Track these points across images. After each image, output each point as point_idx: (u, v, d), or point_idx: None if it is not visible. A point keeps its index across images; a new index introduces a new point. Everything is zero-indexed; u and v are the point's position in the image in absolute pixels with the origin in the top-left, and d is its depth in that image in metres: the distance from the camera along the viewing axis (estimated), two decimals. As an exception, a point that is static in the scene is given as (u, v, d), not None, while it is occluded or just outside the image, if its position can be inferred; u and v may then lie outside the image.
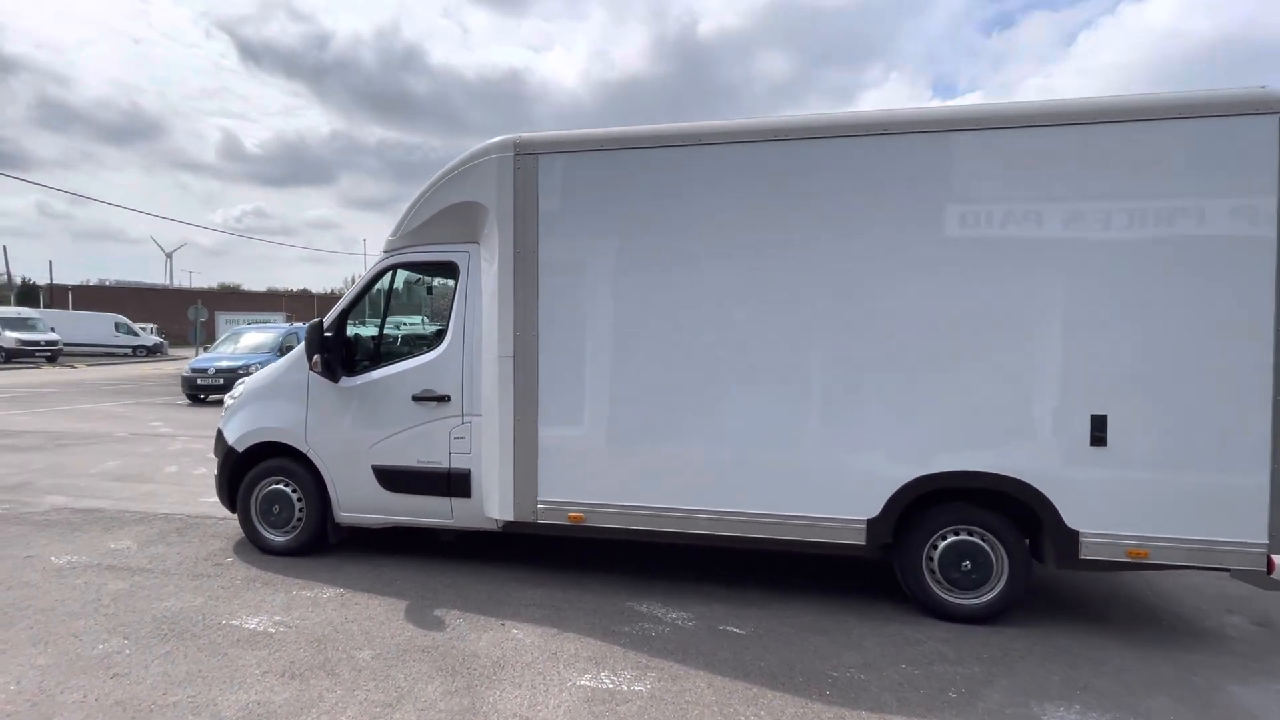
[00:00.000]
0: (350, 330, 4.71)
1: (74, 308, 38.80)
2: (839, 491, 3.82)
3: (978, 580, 3.78)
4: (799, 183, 3.81)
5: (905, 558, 3.85)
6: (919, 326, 3.68)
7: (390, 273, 4.64)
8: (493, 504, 4.29)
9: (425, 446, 4.42)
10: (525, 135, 4.22)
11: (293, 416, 4.67)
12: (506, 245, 4.19)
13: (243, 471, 4.82)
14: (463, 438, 4.37)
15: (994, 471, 3.64)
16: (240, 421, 4.84)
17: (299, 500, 4.71)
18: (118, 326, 32.98)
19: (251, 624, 3.63)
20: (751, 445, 3.90)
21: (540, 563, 4.67)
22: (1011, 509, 3.74)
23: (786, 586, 4.29)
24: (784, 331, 3.83)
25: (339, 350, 4.57)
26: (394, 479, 4.49)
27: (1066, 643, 3.56)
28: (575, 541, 4.80)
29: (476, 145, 4.35)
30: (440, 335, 4.52)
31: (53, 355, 27.34)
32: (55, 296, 43.58)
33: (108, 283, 55.85)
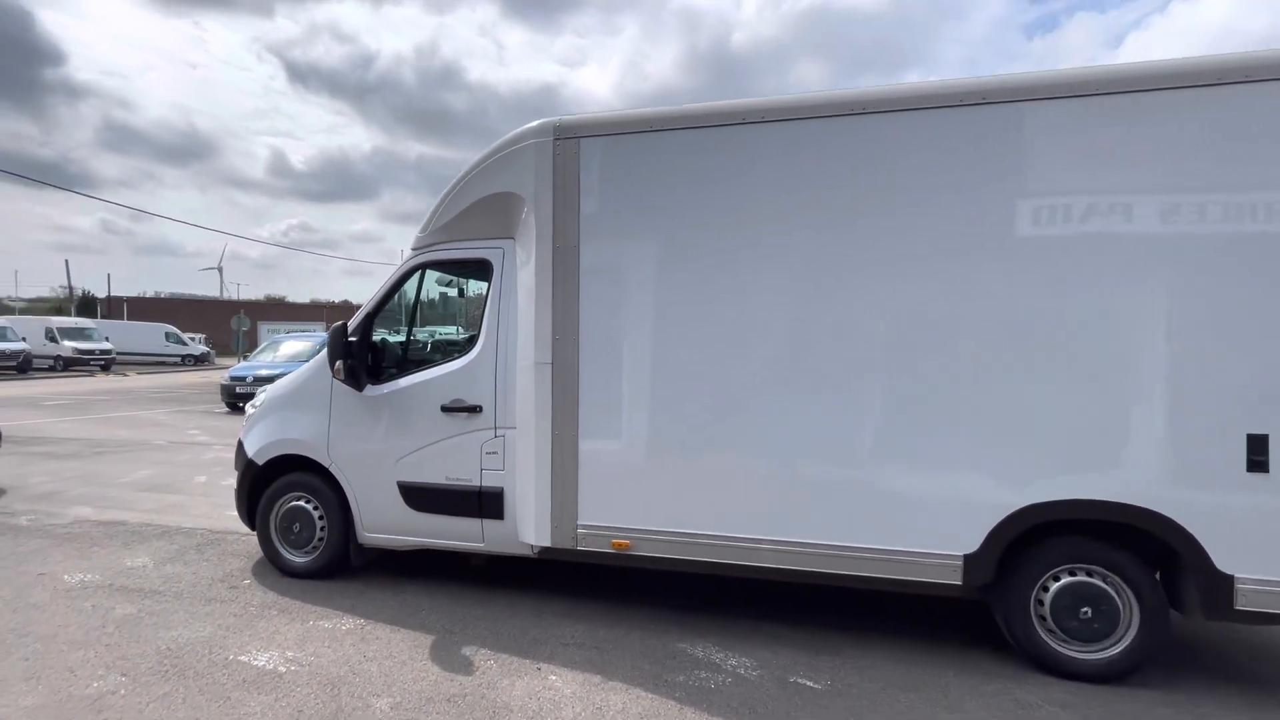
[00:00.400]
0: (376, 335, 4.36)
1: (128, 318, 40.27)
2: (930, 521, 3.25)
3: (1100, 631, 3.16)
4: (892, 164, 3.28)
5: (1010, 601, 3.26)
6: (1035, 328, 3.11)
7: (419, 273, 4.27)
8: (528, 527, 3.84)
9: (455, 462, 4.02)
10: (566, 117, 3.81)
11: (315, 427, 4.32)
12: (544, 239, 3.77)
13: (263, 486, 4.49)
14: (495, 453, 3.95)
15: (1122, 501, 3.03)
16: (261, 432, 4.52)
17: (320, 518, 4.35)
18: (167, 336, 33.99)
19: (261, 660, 3.25)
20: (826, 466, 3.37)
21: (580, 591, 4.20)
22: (1144, 546, 3.12)
23: (864, 628, 3.72)
24: (870, 334, 3.30)
25: (364, 356, 4.21)
26: (421, 497, 4.09)
27: (1216, 711, 2.92)
28: (618, 567, 4.32)
29: (513, 130, 3.96)
30: (472, 340, 4.13)
31: (106, 364, 28.25)
32: (112, 307, 45.39)
33: (163, 294, 58.10)
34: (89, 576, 4.36)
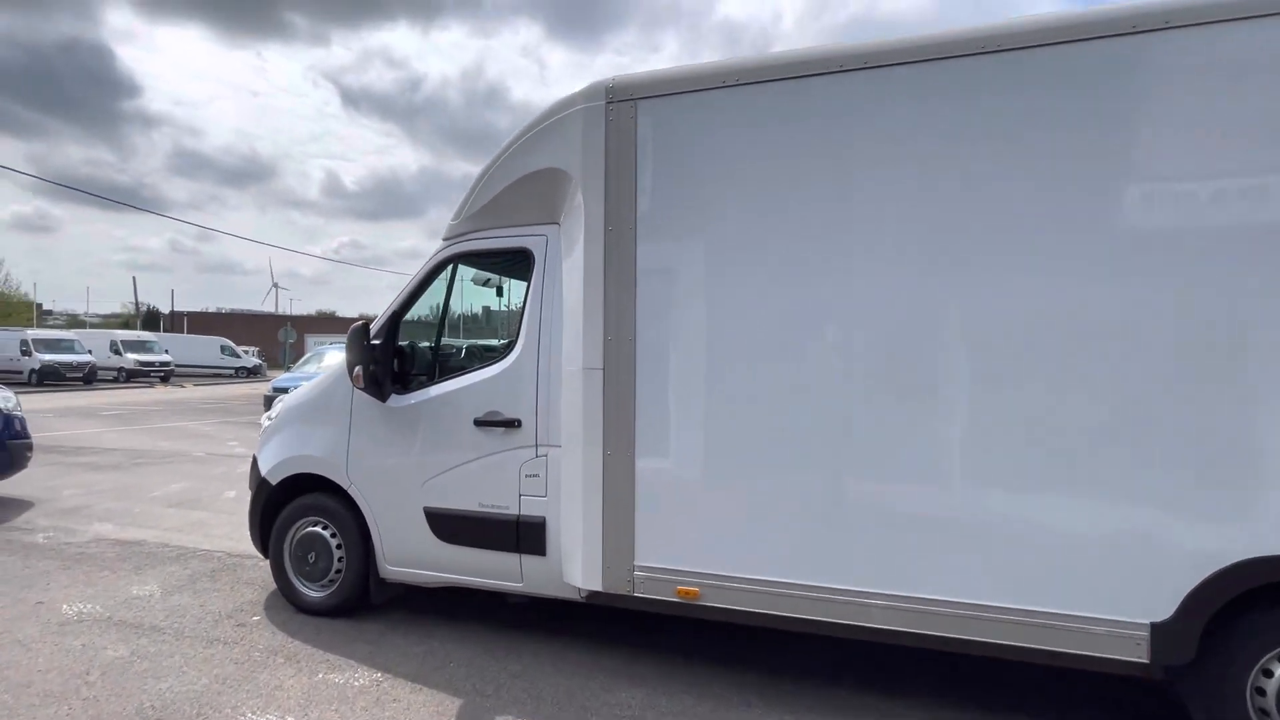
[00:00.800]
0: (405, 338, 3.81)
1: (188, 332, 41.82)
2: (1101, 576, 2.47)
3: (1354, 736, 2.31)
4: (1080, 114, 2.53)
5: (1214, 691, 2.43)
6: (1263, 314, 2.31)
7: (451, 266, 3.71)
8: (574, 567, 3.20)
9: (489, 486, 3.41)
10: (621, 77, 3.20)
11: (333, 443, 3.79)
12: (595, 222, 3.16)
13: (277, 508, 3.98)
14: (536, 475, 3.33)
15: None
16: (275, 448, 4.02)
17: (338, 547, 3.80)
18: (222, 349, 35.02)
19: (255, 727, 2.69)
20: (960, 500, 2.62)
21: (640, 641, 3.53)
22: None
23: (987, 702, 2.93)
24: (1023, 332, 2.55)
25: (388, 362, 3.66)
26: (450, 526, 3.50)
27: None
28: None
29: (560, 96, 3.38)
30: (510, 344, 3.53)
31: (165, 375, 29.15)
32: (174, 322, 47.33)
33: (225, 310, 60.51)
34: (89, 607, 3.91)
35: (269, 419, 4.22)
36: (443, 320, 3.77)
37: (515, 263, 3.70)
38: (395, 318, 3.72)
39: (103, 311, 65.50)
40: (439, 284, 3.75)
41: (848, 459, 2.76)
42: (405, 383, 3.71)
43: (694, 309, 3.01)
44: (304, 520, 3.90)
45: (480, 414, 3.43)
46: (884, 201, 2.73)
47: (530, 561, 3.35)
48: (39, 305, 54.22)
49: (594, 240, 3.17)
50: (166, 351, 30.11)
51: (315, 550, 3.84)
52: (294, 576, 3.91)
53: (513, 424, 3.37)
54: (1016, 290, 2.56)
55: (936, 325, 2.66)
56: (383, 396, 3.64)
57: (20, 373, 24.99)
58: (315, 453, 3.83)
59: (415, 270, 3.81)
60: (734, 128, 2.96)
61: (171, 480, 7.76)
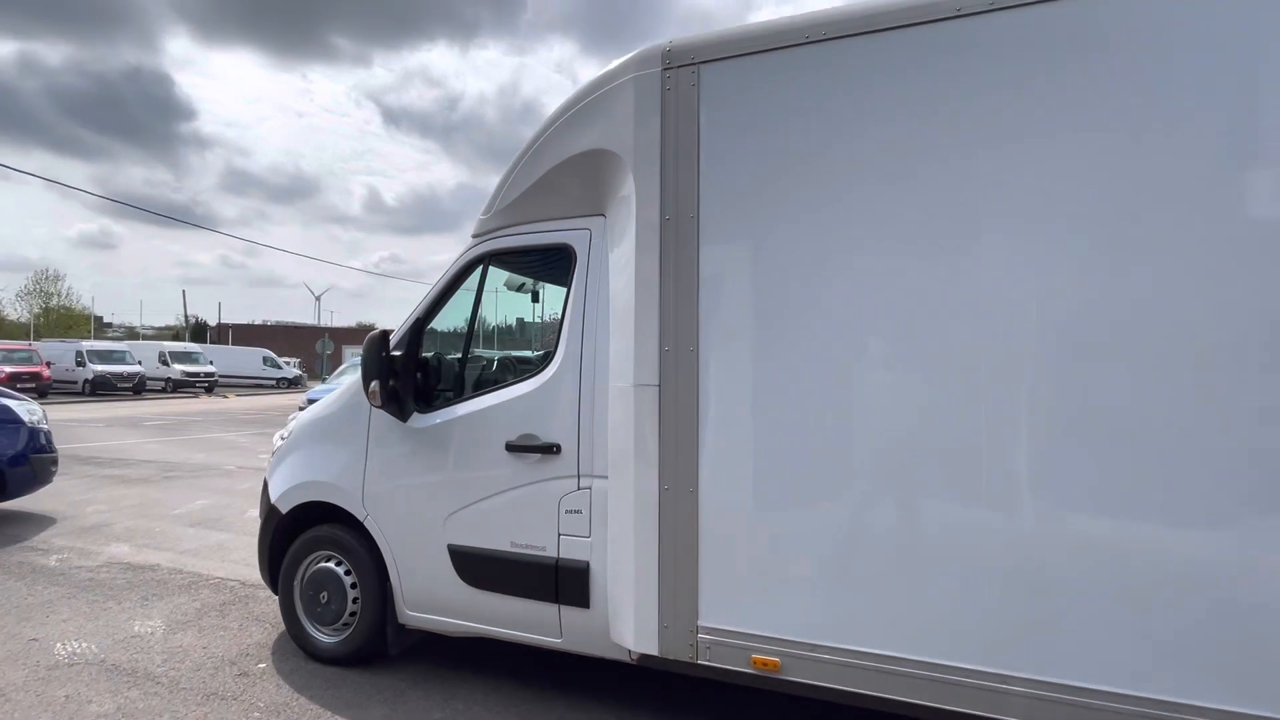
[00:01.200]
0: (429, 348, 3.36)
1: (233, 343, 42.90)
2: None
3: None
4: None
5: None
6: None
7: (481, 267, 3.25)
8: (624, 624, 2.66)
9: (524, 523, 2.91)
10: (679, 39, 2.70)
11: (347, 467, 3.34)
12: (649, 209, 2.66)
13: (288, 539, 3.55)
14: (579, 512, 2.82)
15: None
16: (287, 471, 3.60)
17: (353, 586, 3.35)
18: (265, 360, 35.73)
19: (240, 821, 2.21)
20: (1140, 561, 2.00)
21: (711, 709, 2.97)
22: None
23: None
24: (1214, 320, 1.94)
25: (410, 376, 3.20)
26: (478, 568, 3.01)
27: None
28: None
29: (608, 67, 2.90)
30: (548, 356, 3.04)
31: (210, 386, 29.80)
32: (220, 334, 48.72)
33: (270, 322, 62.19)
34: (84, 646, 3.53)
35: (282, 437, 3.81)
36: (471, 328, 3.30)
37: (554, 262, 3.21)
38: (419, 325, 3.27)
39: (157, 324, 68.09)
40: (468, 287, 3.29)
41: (995, 498, 2.16)
42: (429, 400, 3.25)
43: (773, 310, 2.47)
44: (316, 555, 3.45)
45: (512, 437, 2.94)
46: (1037, 166, 2.14)
47: (571, 614, 2.83)
48: (99, 318, 56.66)
49: (648, 230, 2.66)
50: (211, 362, 30.79)
51: (328, 590, 3.39)
52: (305, 618, 3.47)
53: (550, 450, 2.87)
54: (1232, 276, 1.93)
55: (1128, 326, 2.04)
56: (403, 415, 3.18)
57: (75, 383, 25.80)
58: (328, 478, 3.40)
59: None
60: (820, 93, 2.42)
61: (197, 496, 7.50)
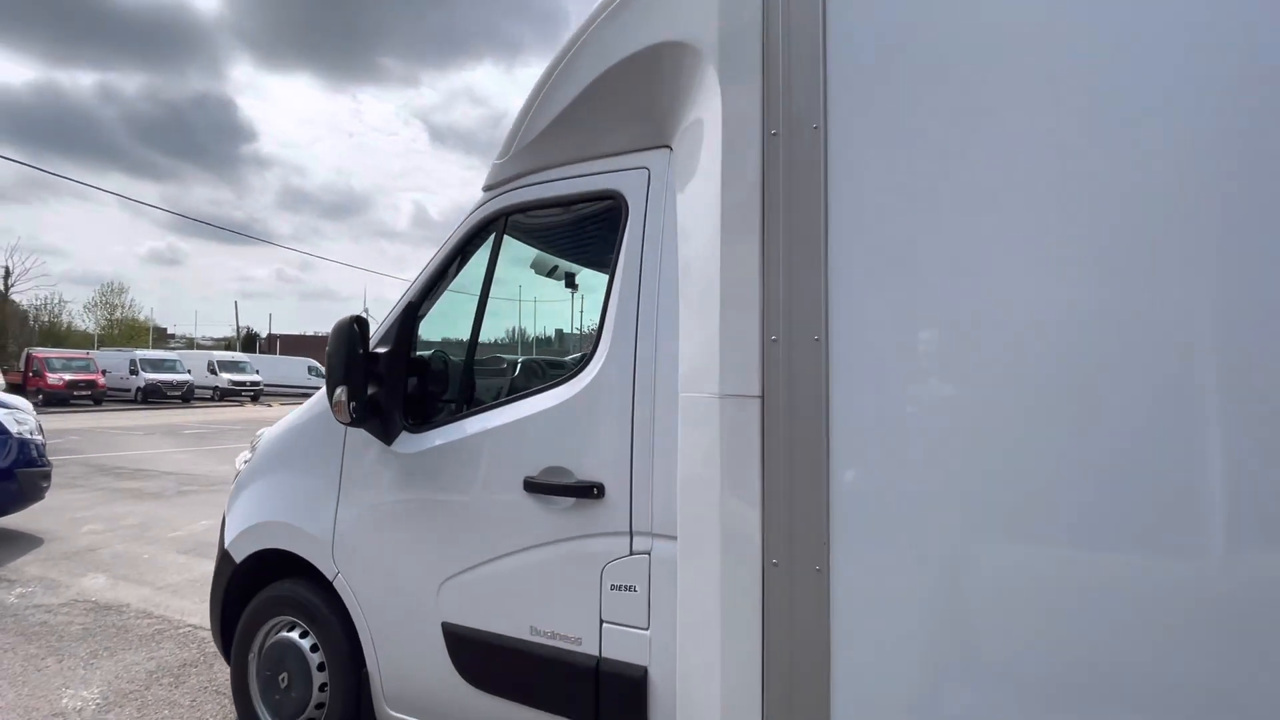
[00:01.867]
0: (424, 344, 2.46)
1: (280, 353, 43.76)
2: None
3: None
4: None
5: None
6: None
7: (494, 230, 2.34)
8: (703, 777, 1.67)
9: (548, 599, 1.97)
10: None
11: (313, 506, 2.46)
12: (743, 125, 1.70)
13: (245, 595, 2.70)
14: (631, 588, 1.85)
15: None
16: (245, 507, 2.74)
17: (320, 668, 2.46)
18: (309, 369, 36.11)
19: None
20: None
21: None
22: None
23: None
24: None
25: (398, 381, 2.31)
26: (481, 662, 2.07)
27: None
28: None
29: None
30: (584, 356, 2.09)
31: (255, 394, 30.15)
32: (270, 344, 49.89)
33: (320, 333, 63.75)
34: (-11, 729, 2.75)
35: (245, 460, 2.97)
36: (480, 314, 2.38)
37: (593, 223, 2.28)
38: (410, 312, 2.37)
39: (215, 335, 70.68)
40: (477, 259, 2.39)
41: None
42: (422, 413, 2.35)
43: (964, 270, 1.47)
44: (277, 621, 2.58)
45: (532, 471, 2.00)
46: None
47: (618, 745, 1.86)
48: (163, 329, 58.96)
49: (741, 157, 1.70)
50: (257, 372, 31.21)
51: (289, 669, 2.51)
52: (260, 704, 2.59)
53: (588, 492, 1.92)
54: None
55: None
56: (387, 436, 2.29)
57: (129, 390, 26.36)
58: (289, 519, 2.52)
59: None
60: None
61: (203, 514, 6.85)
